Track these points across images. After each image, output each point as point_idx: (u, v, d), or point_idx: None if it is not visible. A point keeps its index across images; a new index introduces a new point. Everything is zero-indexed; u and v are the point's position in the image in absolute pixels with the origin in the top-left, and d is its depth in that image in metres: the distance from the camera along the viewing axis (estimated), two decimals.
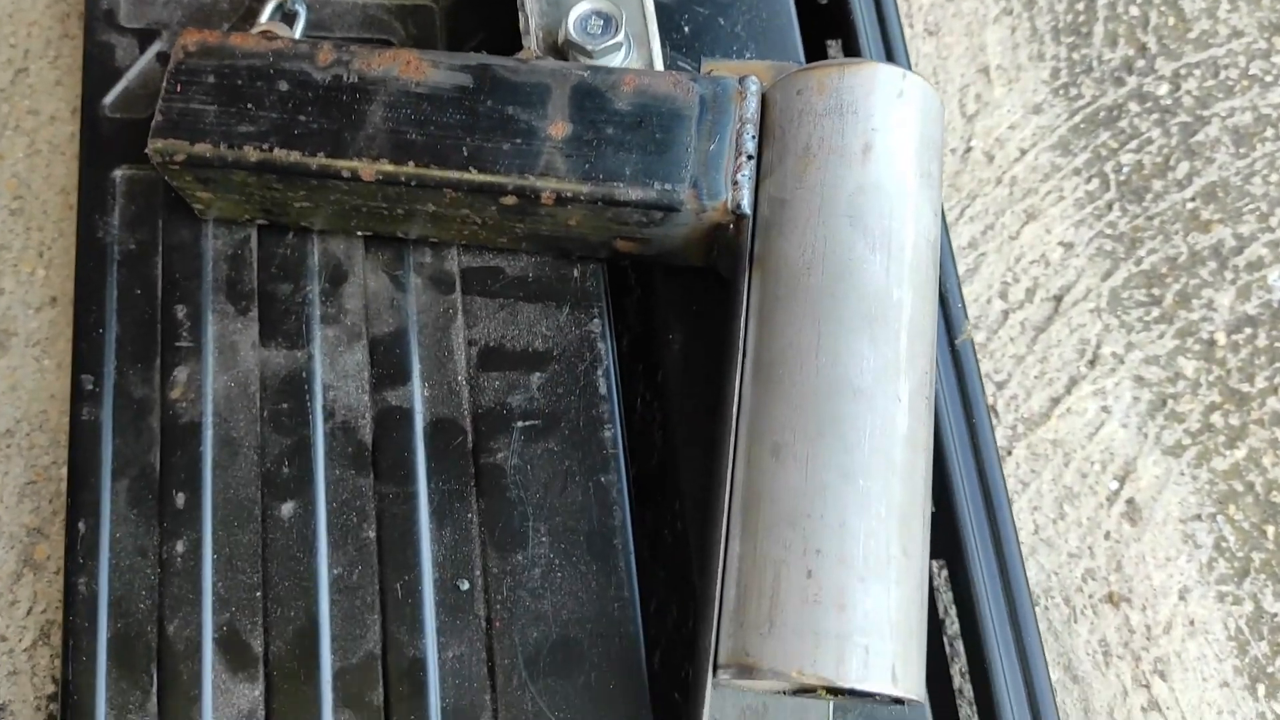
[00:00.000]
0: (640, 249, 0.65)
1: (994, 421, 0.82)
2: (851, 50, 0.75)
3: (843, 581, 0.51)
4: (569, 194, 0.61)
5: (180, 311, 0.67)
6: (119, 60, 0.72)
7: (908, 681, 0.51)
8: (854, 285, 0.56)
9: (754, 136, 0.62)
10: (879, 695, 0.52)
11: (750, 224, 0.60)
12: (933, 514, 0.68)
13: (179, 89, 0.63)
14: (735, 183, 0.61)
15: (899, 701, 0.52)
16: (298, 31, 0.72)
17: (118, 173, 0.69)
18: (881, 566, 0.52)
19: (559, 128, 0.62)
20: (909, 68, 0.74)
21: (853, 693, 0.52)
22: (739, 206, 0.60)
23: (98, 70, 0.72)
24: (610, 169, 0.61)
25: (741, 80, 0.63)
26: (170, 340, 0.67)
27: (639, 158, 0.61)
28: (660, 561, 0.68)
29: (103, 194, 0.69)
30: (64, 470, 0.80)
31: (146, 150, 0.62)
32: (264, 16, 0.71)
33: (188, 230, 0.68)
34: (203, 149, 0.61)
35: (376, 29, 0.74)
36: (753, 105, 0.62)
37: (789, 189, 0.59)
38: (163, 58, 0.72)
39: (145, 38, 0.73)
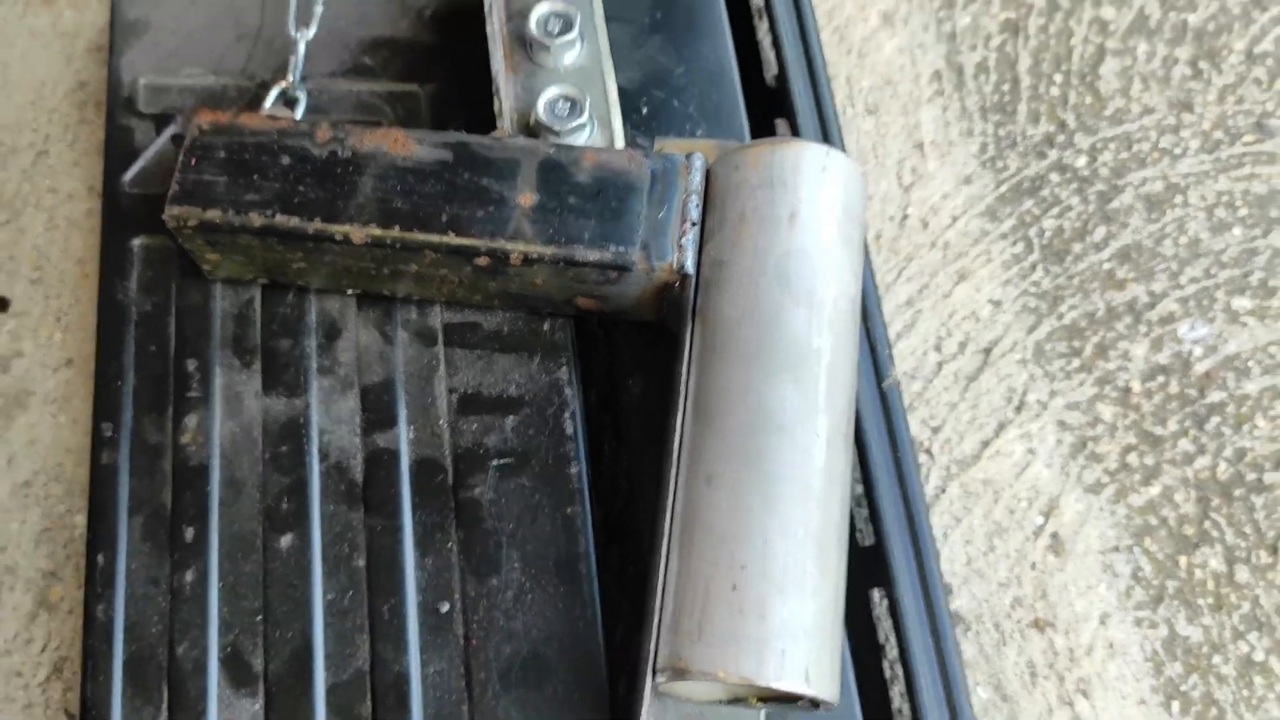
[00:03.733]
0: (600, 306, 0.74)
1: (929, 462, 0.90)
2: (793, 128, 0.84)
3: (764, 594, 0.58)
4: (535, 255, 0.69)
5: (191, 365, 0.75)
6: (138, 142, 0.81)
7: (821, 682, 0.58)
8: (779, 336, 0.64)
9: (698, 206, 0.71)
10: (800, 699, 0.59)
11: (693, 282, 0.69)
12: (870, 546, 0.76)
13: (193, 162, 0.71)
14: (680, 246, 0.69)
15: (817, 704, 0.59)
16: (299, 114, 0.81)
17: (136, 242, 0.78)
18: (799, 581, 0.59)
19: (527, 197, 0.71)
20: (841, 144, 0.83)
21: (776, 699, 0.60)
22: (683, 267, 0.69)
23: (118, 150, 0.81)
24: (571, 233, 0.69)
25: (688, 157, 0.72)
26: (182, 391, 0.75)
27: (597, 224, 0.70)
28: (626, 594, 0.75)
29: (122, 261, 0.77)
30: (78, 518, 0.87)
31: (163, 216, 0.70)
32: (269, 102, 0.80)
33: (198, 292, 0.77)
34: (213, 215, 0.70)
35: (369, 111, 0.83)
36: (697, 179, 0.71)
37: (726, 252, 0.68)
38: (177, 139, 0.81)
39: (161, 122, 0.82)
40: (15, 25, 1.06)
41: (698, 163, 0.72)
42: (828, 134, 0.85)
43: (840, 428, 0.65)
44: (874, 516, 0.73)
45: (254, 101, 0.82)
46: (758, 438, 0.62)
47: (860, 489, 0.76)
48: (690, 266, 0.69)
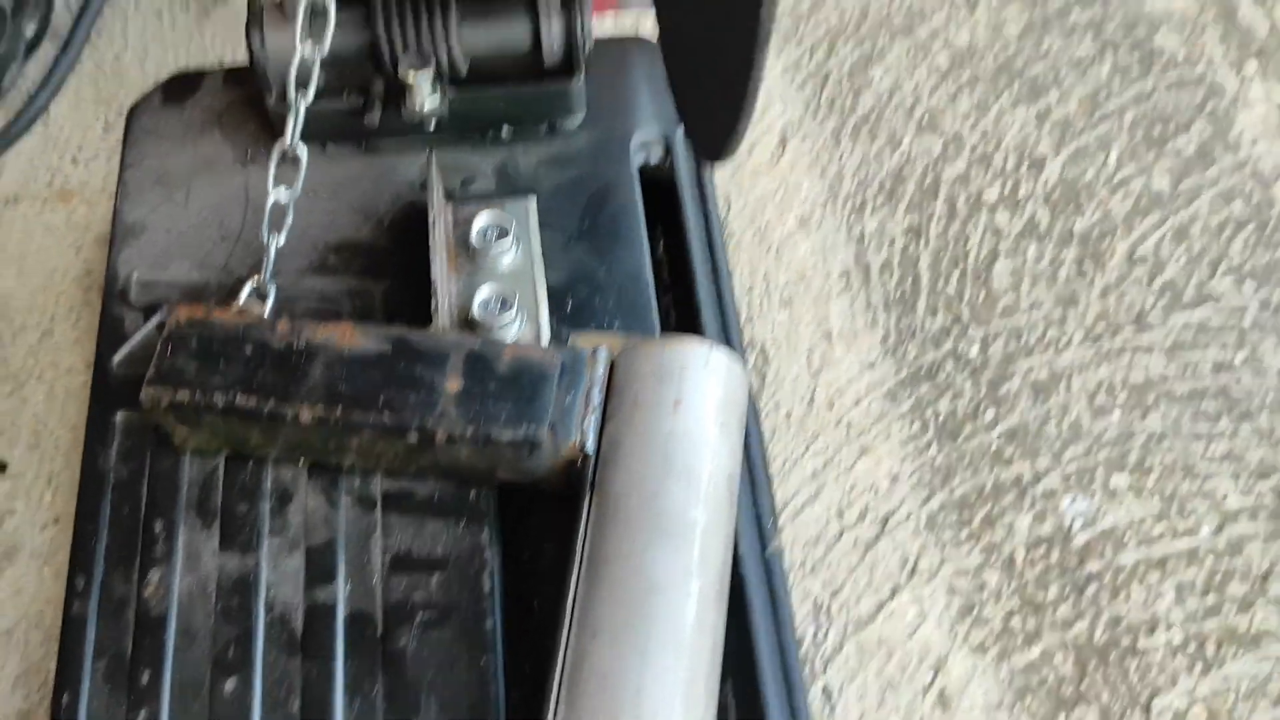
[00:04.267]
0: (517, 478, 0.84)
1: (828, 621, 0.98)
2: (696, 325, 0.96)
3: None
4: (457, 435, 0.80)
5: (158, 525, 0.85)
6: (127, 329, 0.93)
7: None
8: (659, 508, 0.74)
9: (600, 393, 0.82)
10: None
11: (593, 460, 0.79)
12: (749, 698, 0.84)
13: (169, 351, 0.83)
14: (583, 428, 0.80)
15: None
16: (269, 305, 0.93)
17: (118, 416, 0.89)
18: None
19: (454, 384, 0.82)
20: (740, 339, 0.95)
21: None
22: (584, 446, 0.80)
23: (110, 336, 0.93)
24: (490, 416, 0.81)
25: (595, 350, 0.84)
26: (148, 549, 0.85)
27: (512, 407, 0.81)
28: None
29: (105, 433, 0.88)
30: (53, 662, 0.96)
31: (140, 396, 0.81)
32: (243, 296, 0.92)
33: (169, 462, 0.87)
34: (183, 396, 0.81)
35: (330, 303, 0.96)
36: (601, 369, 0.83)
37: (621, 433, 0.79)
38: (161, 327, 0.93)
39: (149, 311, 0.94)
40: (34, 220, 1.21)
41: (602, 355, 0.84)
42: (727, 330, 0.97)
43: (712, 588, 0.74)
44: (753, 673, 0.81)
45: (231, 293, 0.94)
46: (637, 597, 0.72)
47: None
48: (591, 446, 0.80)
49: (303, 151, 0.91)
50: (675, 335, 0.85)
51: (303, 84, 0.89)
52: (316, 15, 0.87)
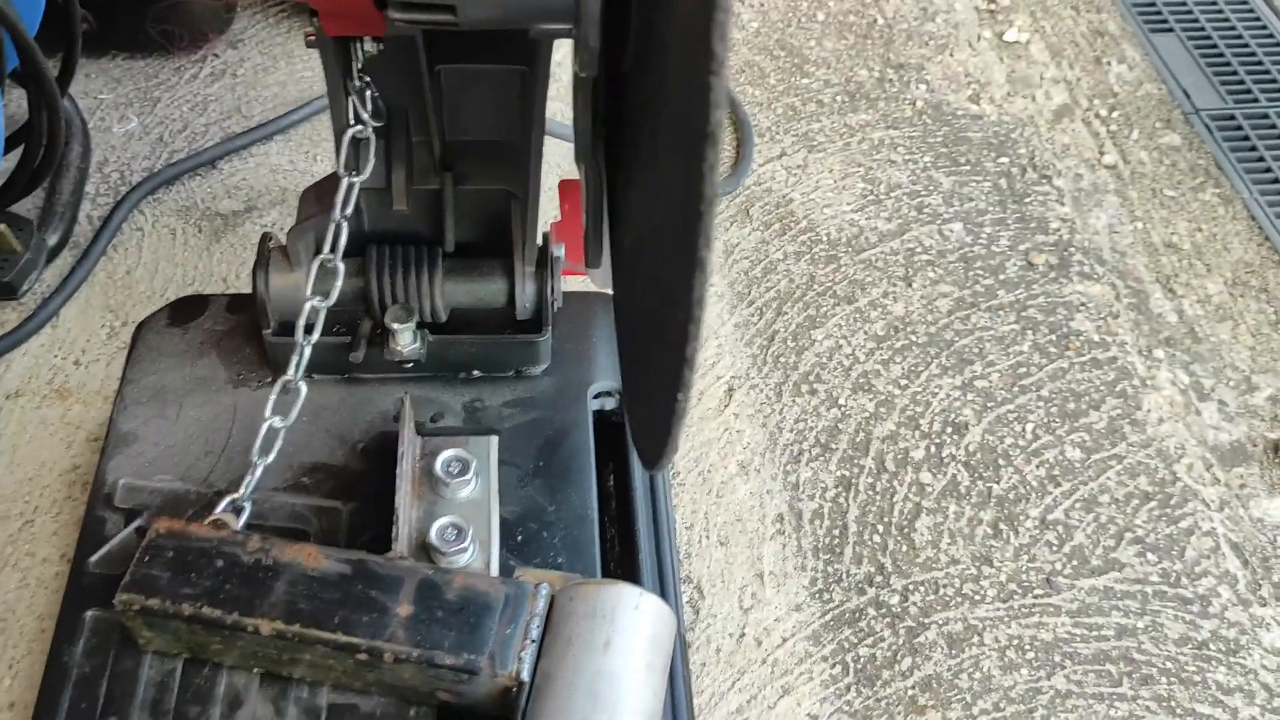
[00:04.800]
0: (456, 700, 0.91)
1: None
2: (633, 571, 1.05)
3: None
4: (404, 655, 0.87)
5: None
6: (108, 530, 1.01)
7: None
8: None
9: (539, 626, 0.90)
10: None
11: (527, 689, 0.86)
12: None
13: (146, 559, 0.91)
14: (520, 659, 0.87)
15: None
16: (243, 519, 1.01)
17: (89, 614, 0.96)
18: None
19: (405, 608, 0.90)
20: (675, 574, 1.03)
21: None
22: (519, 675, 0.87)
23: (91, 537, 1.00)
24: (435, 641, 0.88)
25: (537, 586, 0.92)
26: None
27: (456, 634, 0.88)
28: None
29: (74, 629, 0.95)
30: None
31: (114, 600, 0.88)
32: (219, 508, 1.00)
33: (131, 661, 0.93)
34: (153, 603, 0.88)
35: (299, 520, 1.04)
36: (541, 604, 0.91)
37: (554, 666, 0.86)
38: (140, 531, 1.01)
39: (130, 515, 1.02)
40: (30, 414, 1.29)
41: (544, 591, 0.92)
42: (662, 568, 1.05)
43: None
44: None
45: (208, 505, 1.02)
46: None
47: None
48: (526, 675, 0.87)
49: (304, 387, 1.01)
50: (610, 580, 0.93)
51: (308, 330, 1.00)
52: (326, 274, 0.99)
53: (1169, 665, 1.21)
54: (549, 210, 1.10)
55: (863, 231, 1.61)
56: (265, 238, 1.10)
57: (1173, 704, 1.18)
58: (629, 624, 0.88)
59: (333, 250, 1.02)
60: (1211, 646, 1.22)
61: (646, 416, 0.78)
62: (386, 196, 1.07)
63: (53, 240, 1.49)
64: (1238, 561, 1.30)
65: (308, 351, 1.01)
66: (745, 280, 1.53)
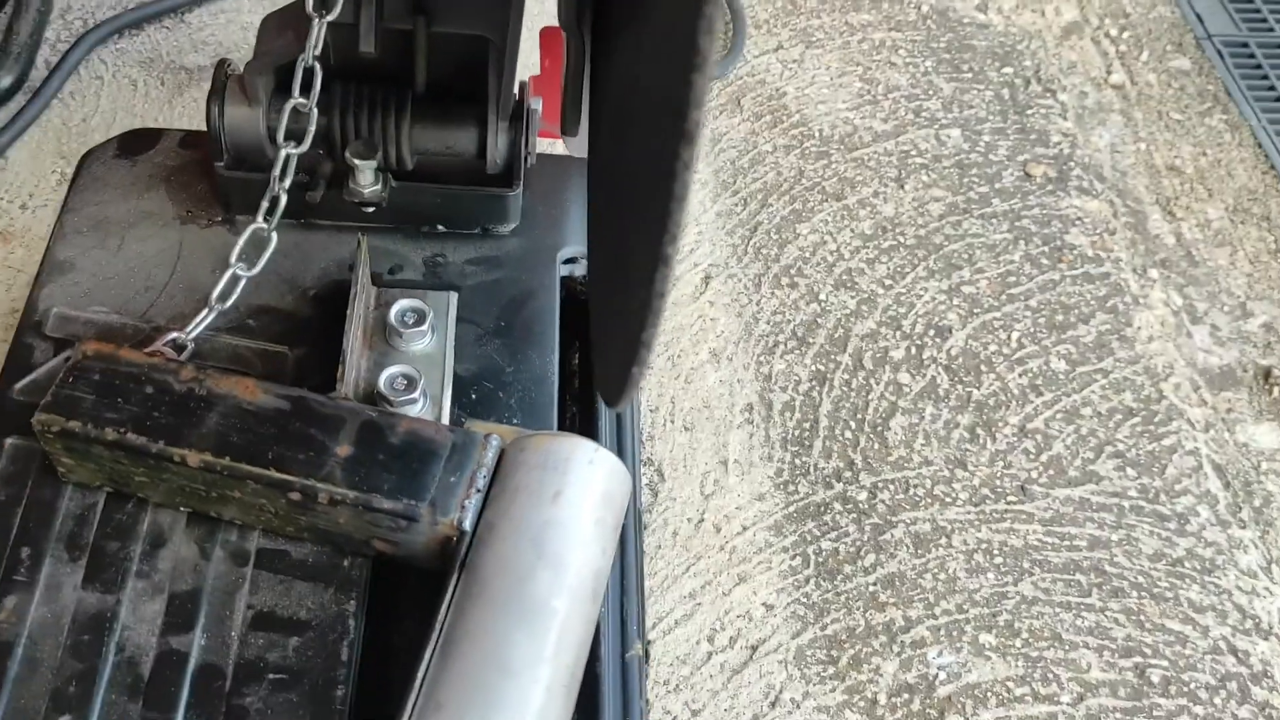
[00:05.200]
0: (393, 550, 0.85)
1: None
2: (593, 432, 1.00)
3: None
4: (339, 497, 0.82)
5: (24, 553, 0.85)
6: (36, 359, 0.95)
7: None
8: (523, 593, 0.76)
9: (486, 477, 0.84)
10: None
11: (468, 540, 0.81)
12: None
13: (70, 380, 0.85)
14: (463, 507, 0.82)
15: None
16: (184, 356, 0.95)
17: (8, 441, 0.90)
18: None
19: (344, 449, 0.84)
20: (635, 452, 0.98)
21: None
22: (461, 524, 0.81)
23: (16, 364, 0.94)
24: (374, 484, 0.82)
25: (487, 436, 0.87)
26: (10, 574, 0.84)
27: (397, 479, 0.83)
28: None
29: None
30: None
31: (32, 419, 0.82)
32: (158, 344, 0.94)
33: (50, 491, 0.88)
34: (74, 425, 0.82)
35: (241, 363, 0.98)
36: (490, 455, 0.85)
37: (498, 516, 0.81)
38: (69, 360, 0.95)
39: (60, 345, 0.96)
40: None
41: (494, 442, 0.86)
42: (621, 443, 1.00)
43: (562, 678, 0.75)
44: None
45: (145, 342, 0.96)
46: (486, 676, 0.73)
47: None
48: (468, 525, 0.82)
49: (274, 236, 0.95)
50: (565, 433, 0.88)
51: (281, 177, 0.94)
52: (296, 117, 0.93)
53: (1141, 580, 1.17)
54: (530, 57, 1.03)
55: (857, 130, 1.55)
56: (222, 64, 1.02)
57: (1141, 618, 1.14)
58: (581, 477, 0.83)
59: (304, 94, 0.96)
60: (1186, 564, 1.19)
61: (613, 339, 0.72)
62: (354, 33, 1.00)
63: (6, 81, 1.41)
64: (1219, 483, 1.26)
65: (283, 200, 0.95)
66: (731, 170, 1.47)
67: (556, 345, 1.03)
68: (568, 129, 1.02)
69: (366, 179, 1.01)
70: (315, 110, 0.96)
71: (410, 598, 0.87)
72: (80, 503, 0.88)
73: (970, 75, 1.68)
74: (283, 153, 0.96)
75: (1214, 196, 1.59)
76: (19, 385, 0.93)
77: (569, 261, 1.11)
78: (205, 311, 0.96)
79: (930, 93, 1.63)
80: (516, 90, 1.07)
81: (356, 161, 1.00)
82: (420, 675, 0.75)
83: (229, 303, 0.96)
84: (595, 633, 0.86)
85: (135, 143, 1.11)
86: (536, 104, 1.08)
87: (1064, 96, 1.68)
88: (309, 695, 0.81)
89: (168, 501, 0.87)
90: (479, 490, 0.84)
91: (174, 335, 0.96)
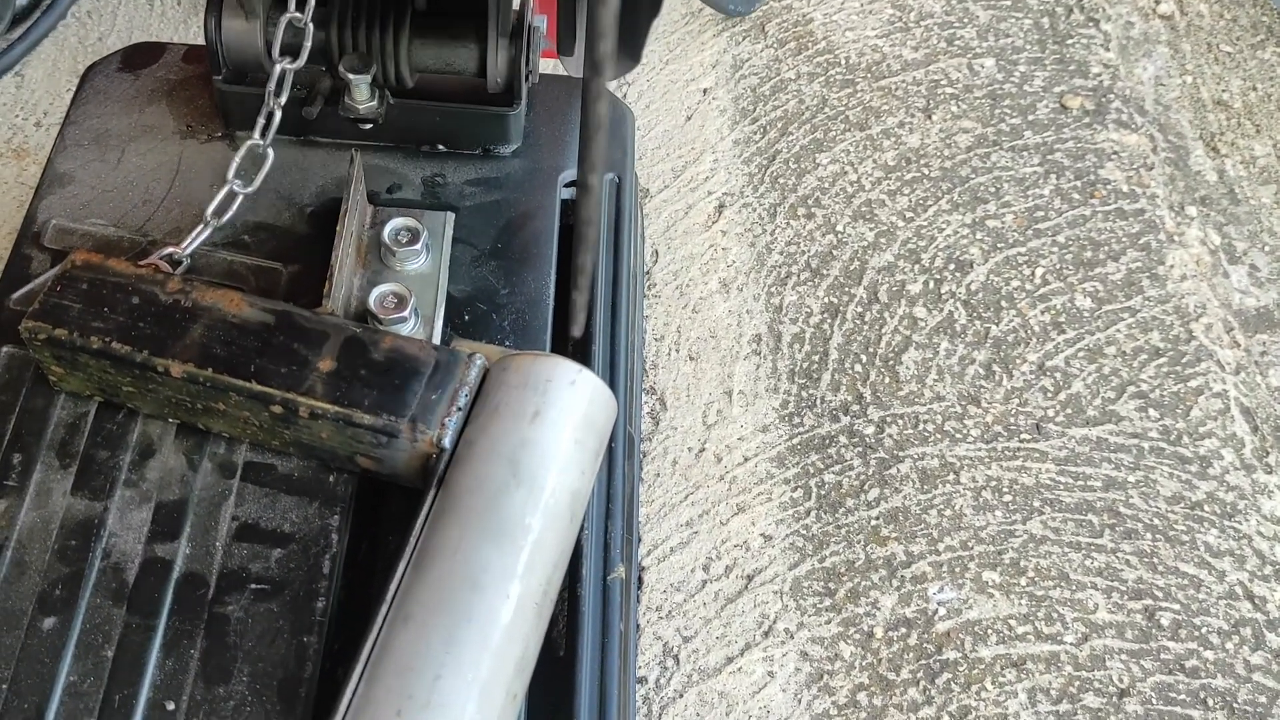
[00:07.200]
0: (376, 467, 0.85)
1: (675, 667, 0.98)
2: (585, 356, 0.98)
3: None
4: (320, 411, 0.81)
5: (16, 459, 0.86)
6: (33, 270, 0.95)
7: None
8: (496, 509, 0.75)
9: (468, 396, 0.83)
10: None
11: (447, 456, 0.81)
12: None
13: (59, 289, 0.85)
14: (444, 425, 0.81)
15: None
16: (178, 272, 0.95)
17: (3, 349, 0.90)
18: (457, 717, 0.68)
19: (326, 363, 0.83)
20: (628, 380, 0.96)
21: None
22: (440, 441, 0.81)
23: (14, 273, 0.95)
24: (355, 399, 0.82)
25: (471, 355, 0.85)
26: (1, 480, 0.85)
27: (379, 395, 0.82)
28: None
29: None
30: None
31: (20, 326, 0.83)
32: (153, 258, 0.94)
33: (43, 400, 0.88)
34: (60, 333, 0.83)
35: (235, 278, 0.98)
36: (473, 374, 0.84)
37: (477, 434, 0.80)
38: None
39: (58, 257, 0.96)
40: None
41: (478, 361, 0.85)
42: (614, 370, 0.98)
43: (533, 596, 0.75)
44: (570, 692, 0.81)
45: (141, 254, 0.96)
46: (455, 590, 0.72)
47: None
48: (448, 443, 0.81)
49: (271, 153, 0.94)
50: (548, 354, 0.87)
51: (277, 92, 0.93)
52: (292, 32, 0.92)
53: (1156, 522, 1.14)
54: None
55: (885, 58, 1.50)
56: None
57: (1155, 560, 1.11)
58: (561, 398, 0.81)
59: (300, 8, 0.95)
60: (1206, 508, 1.15)
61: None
62: None
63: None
64: (1247, 426, 1.22)
65: (278, 116, 0.94)
66: (752, 97, 1.43)
67: (554, 268, 1.02)
68: (563, 48, 0.99)
69: (362, 94, 1.00)
70: (310, 25, 0.95)
71: (395, 515, 0.87)
72: (72, 411, 0.89)
73: (1009, 3, 1.62)
74: (278, 68, 0.95)
75: (1261, 133, 1.52)
76: (15, 295, 0.94)
77: (571, 185, 1.09)
78: (201, 227, 0.96)
79: (965, 20, 1.58)
80: (518, 5, 1.04)
81: (350, 76, 0.98)
82: (392, 589, 0.75)
83: (225, 218, 0.96)
84: (576, 554, 0.86)
85: (139, 56, 1.11)
86: (540, 22, 1.06)
87: (1108, 26, 1.62)
88: (290, 606, 0.81)
89: (157, 413, 0.88)
90: (460, 409, 0.83)
91: (170, 250, 0.96)
